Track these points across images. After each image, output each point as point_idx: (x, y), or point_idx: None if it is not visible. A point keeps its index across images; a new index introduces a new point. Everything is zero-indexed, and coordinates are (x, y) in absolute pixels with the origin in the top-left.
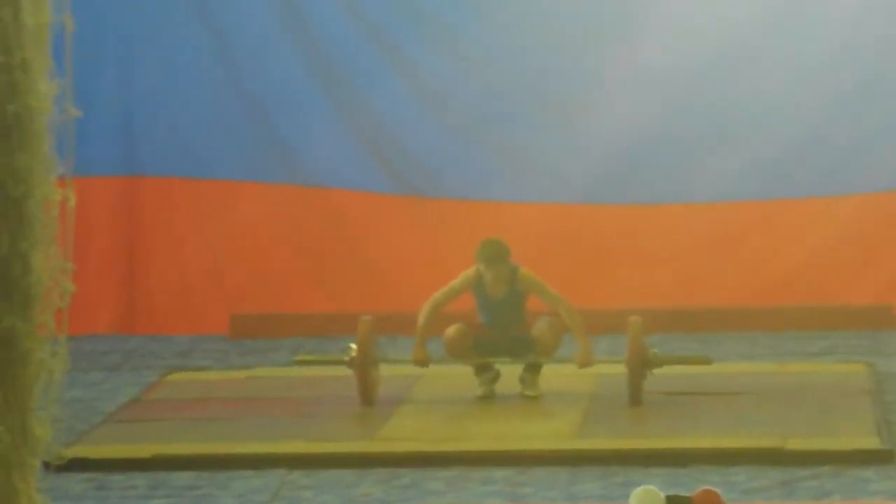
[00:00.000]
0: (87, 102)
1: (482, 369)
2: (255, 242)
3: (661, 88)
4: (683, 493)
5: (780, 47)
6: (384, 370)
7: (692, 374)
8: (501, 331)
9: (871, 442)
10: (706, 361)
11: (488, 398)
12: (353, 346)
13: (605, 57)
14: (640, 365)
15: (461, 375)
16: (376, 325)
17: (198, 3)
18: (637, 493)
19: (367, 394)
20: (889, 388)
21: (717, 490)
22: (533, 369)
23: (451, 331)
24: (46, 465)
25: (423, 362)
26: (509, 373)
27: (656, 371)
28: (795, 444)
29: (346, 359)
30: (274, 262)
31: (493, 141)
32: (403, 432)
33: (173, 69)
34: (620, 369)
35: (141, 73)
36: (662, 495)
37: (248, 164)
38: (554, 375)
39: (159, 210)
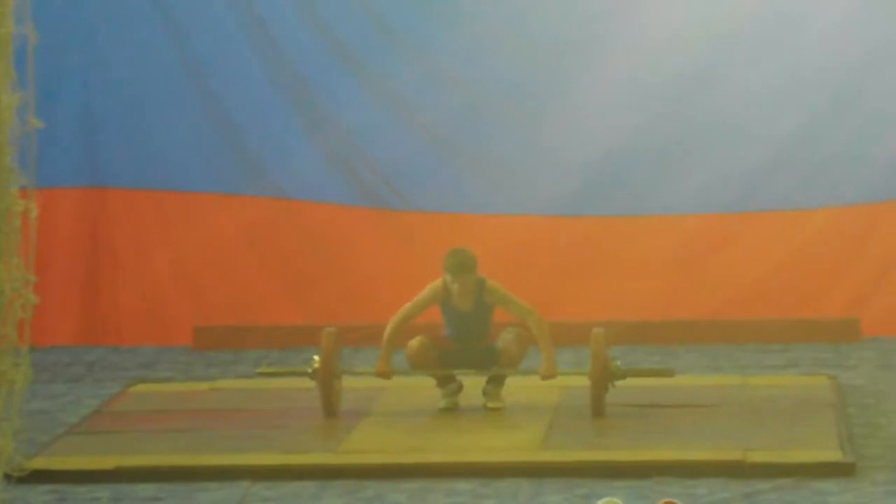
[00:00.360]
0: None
1: (445, 381)
2: (223, 254)
3: (630, 102)
4: None
5: (753, 64)
6: (347, 382)
7: (656, 386)
8: (466, 343)
9: (833, 455)
10: (669, 374)
11: (451, 410)
12: (317, 357)
13: (577, 69)
14: (603, 377)
15: (424, 387)
16: (340, 337)
17: (163, 15)
18: None
19: (330, 406)
20: (852, 401)
21: (679, 502)
22: (496, 381)
23: (413, 343)
24: (8, 477)
25: (385, 375)
26: (473, 385)
27: (620, 383)
28: (757, 456)
29: (309, 370)
30: (241, 274)
31: (464, 153)
32: (366, 444)
33: (138, 80)
34: (585, 381)
35: (105, 84)
36: None
37: (216, 176)
38: (518, 387)
39: (124, 221)
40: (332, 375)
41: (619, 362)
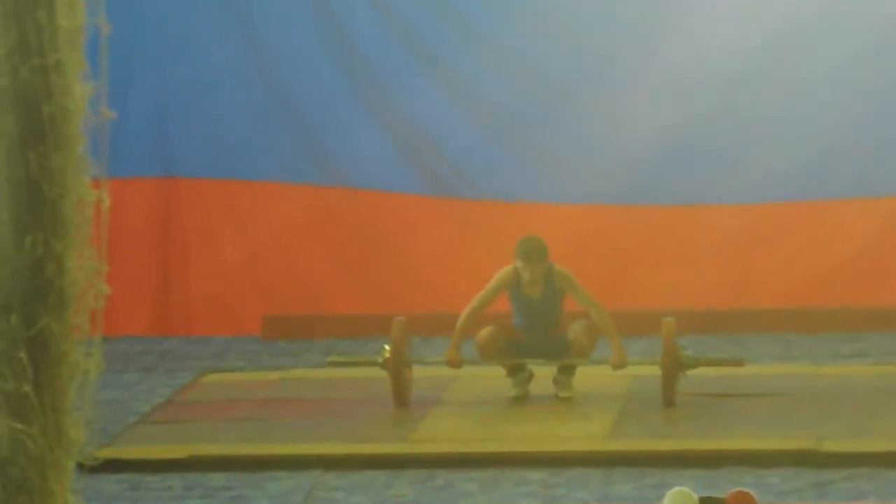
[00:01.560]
0: (122, 104)
1: (515, 370)
2: (291, 244)
3: (692, 91)
4: (717, 494)
5: (814, 51)
6: (417, 371)
7: (726, 375)
8: (536, 332)
9: None
10: (739, 363)
11: (521, 399)
12: (387, 347)
13: (637, 59)
14: (674, 366)
15: (495, 377)
16: (410, 326)
17: (233, 6)
18: (671, 494)
19: (401, 395)
20: None
21: (751, 492)
22: (567, 371)
23: (483, 332)
24: (81, 467)
25: (456, 364)
26: (543, 374)
27: (690, 372)
28: (830, 445)
29: (380, 360)
30: (309, 263)
31: (528, 142)
32: (437, 433)
33: (208, 70)
34: (654, 371)
35: (176, 75)
36: (696, 497)
37: (284, 165)
38: (588, 377)
39: (194, 211)
40: (402, 365)
41: (689, 351)
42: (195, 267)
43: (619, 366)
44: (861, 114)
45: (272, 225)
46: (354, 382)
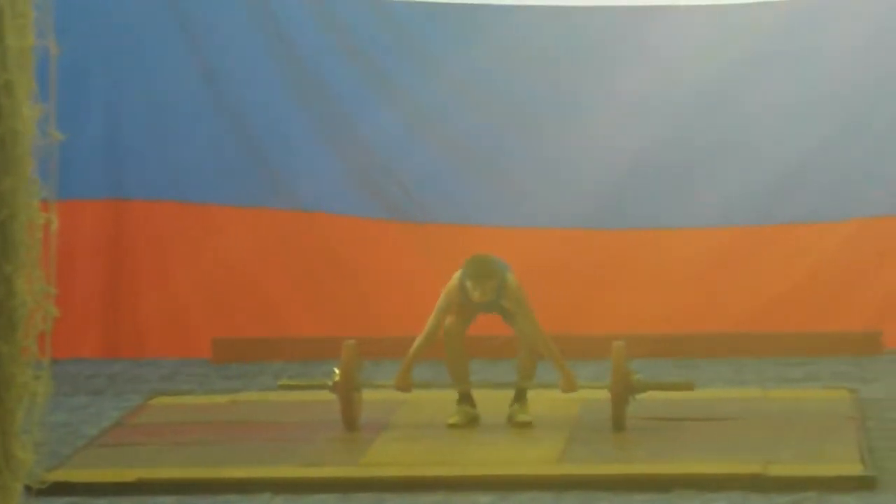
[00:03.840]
0: (71, 126)
1: (464, 400)
2: (243, 266)
3: (651, 115)
4: None
5: (771, 79)
6: (368, 395)
7: (676, 399)
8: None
9: (854, 468)
10: (689, 387)
11: (461, 427)
12: (337, 370)
13: (595, 83)
14: (624, 390)
15: (444, 401)
16: (361, 349)
17: (183, 27)
18: None
19: (350, 418)
20: (873, 415)
21: None
22: (520, 399)
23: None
24: (29, 489)
25: (405, 388)
26: (491, 399)
27: (640, 396)
28: (778, 470)
29: (330, 383)
30: (262, 286)
31: (483, 166)
32: (387, 457)
33: (159, 93)
34: (605, 395)
35: (126, 97)
36: None
37: (236, 188)
38: (538, 400)
39: (145, 233)
40: (352, 388)
41: (639, 375)
42: (145, 289)
43: (568, 390)
44: (820, 138)
45: (224, 247)
46: (305, 406)
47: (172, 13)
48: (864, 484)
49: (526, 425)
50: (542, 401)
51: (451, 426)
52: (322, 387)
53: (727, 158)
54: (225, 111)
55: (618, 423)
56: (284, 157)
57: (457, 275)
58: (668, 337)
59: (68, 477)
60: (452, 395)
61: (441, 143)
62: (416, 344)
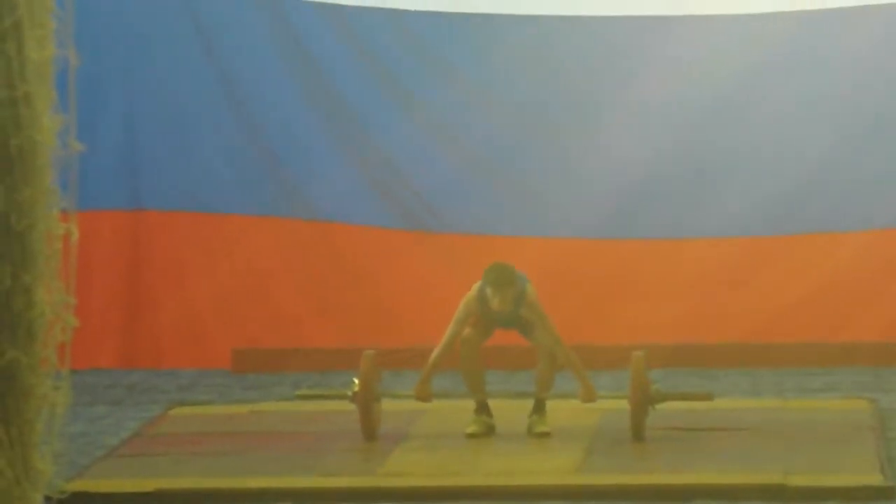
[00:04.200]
0: (90, 136)
1: (481, 410)
2: (261, 276)
3: (666, 125)
4: None
5: (785, 87)
6: (387, 405)
7: (695, 409)
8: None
9: (873, 479)
10: (708, 397)
11: (479, 436)
12: (356, 380)
13: (611, 93)
14: (643, 401)
15: (463, 410)
16: (379, 359)
17: (201, 38)
18: None
19: (370, 429)
20: (892, 425)
21: None
22: (539, 410)
23: (464, 335)
24: (49, 500)
25: (425, 398)
26: (509, 409)
27: (659, 406)
28: (797, 480)
29: (349, 393)
30: (279, 296)
31: (499, 176)
32: (406, 467)
33: (177, 103)
34: (624, 405)
35: (145, 107)
36: None
37: (254, 198)
38: (557, 410)
39: (163, 243)
40: (371, 398)
41: (658, 385)
42: (164, 299)
43: (588, 400)
44: (831, 149)
45: (242, 257)
46: (324, 416)
47: (191, 24)
48: (883, 494)
49: (544, 436)
50: (561, 410)
51: (470, 436)
52: (342, 397)
53: (741, 168)
54: (242, 121)
55: (637, 433)
56: (301, 167)
57: (476, 286)
58: (685, 347)
59: (87, 487)
60: (471, 404)
61: (458, 153)
62: (434, 354)
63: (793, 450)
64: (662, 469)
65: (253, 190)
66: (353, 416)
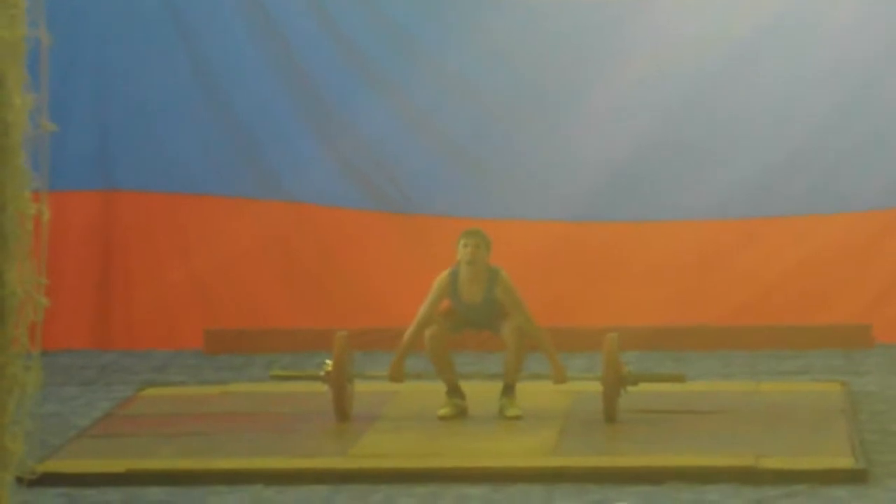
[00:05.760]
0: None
1: (453, 393)
2: (234, 258)
3: (644, 110)
4: None
5: (764, 70)
6: (359, 386)
7: (668, 392)
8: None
9: (845, 461)
10: (680, 379)
11: (451, 418)
12: (329, 361)
13: (589, 77)
14: (615, 382)
15: (435, 392)
16: (352, 340)
17: (175, 19)
18: None
19: (342, 409)
20: (864, 408)
21: None
22: (508, 392)
23: (428, 333)
24: (19, 480)
25: (398, 378)
26: (482, 391)
27: (632, 389)
28: (769, 462)
29: (322, 374)
30: (253, 277)
31: (474, 159)
32: (378, 449)
33: (151, 83)
34: (596, 387)
35: (118, 87)
36: None
37: (228, 179)
38: (530, 393)
39: (136, 224)
40: (344, 379)
41: (631, 367)
42: (136, 280)
43: (559, 381)
44: (811, 133)
45: (215, 239)
46: (296, 397)
47: (164, 5)
48: (855, 477)
49: (516, 419)
50: (534, 393)
51: (442, 418)
52: (314, 377)
53: (718, 152)
54: (215, 103)
55: (609, 415)
56: (276, 149)
57: (448, 270)
58: (659, 330)
59: (59, 468)
60: (443, 387)
61: (431, 136)
62: (407, 334)
63: (765, 432)
64: (634, 451)
65: (227, 172)
66: (326, 398)
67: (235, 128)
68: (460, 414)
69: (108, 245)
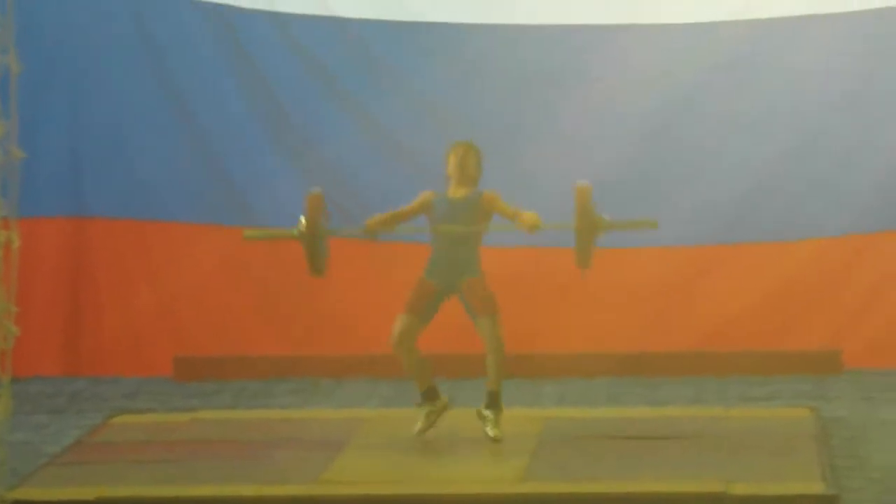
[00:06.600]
0: (33, 143)
1: (428, 395)
2: (203, 284)
3: (612, 134)
4: None
5: (733, 96)
6: (326, 413)
7: (638, 418)
8: (449, 265)
9: (815, 487)
10: (653, 225)
11: (426, 432)
12: (302, 219)
13: (559, 102)
14: (589, 228)
15: (406, 419)
16: (323, 366)
17: (147, 47)
18: None
19: (316, 263)
20: (834, 434)
21: None
22: (492, 405)
23: (398, 325)
24: None
25: (372, 231)
26: (454, 416)
27: (601, 415)
28: (739, 488)
29: (295, 232)
30: (222, 304)
31: (445, 184)
32: (347, 475)
33: (122, 110)
34: (567, 413)
35: (88, 115)
36: None
37: (198, 206)
38: (501, 419)
39: (106, 251)
40: (317, 235)
41: (605, 216)
42: (106, 307)
43: (532, 227)
44: (779, 159)
45: (184, 265)
46: (265, 424)
47: (137, 32)
48: (825, 502)
49: (494, 441)
50: (505, 419)
51: (419, 433)
52: (287, 236)
53: (687, 178)
54: (186, 129)
55: (583, 261)
56: (245, 175)
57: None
58: (630, 356)
59: (29, 496)
60: (414, 414)
61: (401, 161)
62: (381, 216)
63: (735, 458)
64: (605, 477)
65: (196, 198)
66: (295, 424)
67: (206, 154)
68: (440, 417)
69: (78, 272)
